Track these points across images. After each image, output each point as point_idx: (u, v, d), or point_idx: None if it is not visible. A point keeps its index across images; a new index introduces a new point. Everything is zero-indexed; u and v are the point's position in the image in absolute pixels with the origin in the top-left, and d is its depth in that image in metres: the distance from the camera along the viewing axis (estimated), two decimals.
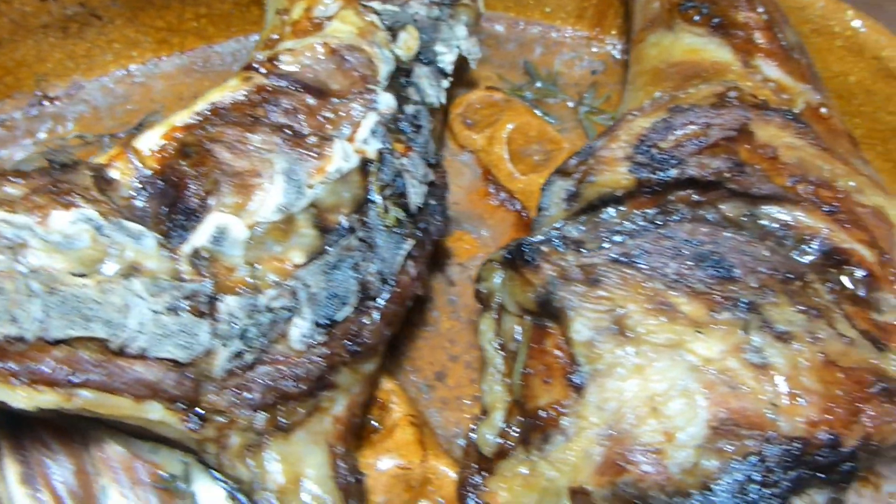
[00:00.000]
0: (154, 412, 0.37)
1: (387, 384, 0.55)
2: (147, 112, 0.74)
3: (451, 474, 0.52)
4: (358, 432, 0.51)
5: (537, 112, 0.77)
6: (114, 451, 0.39)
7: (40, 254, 0.37)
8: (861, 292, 0.53)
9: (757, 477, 0.43)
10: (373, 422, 0.54)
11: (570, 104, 0.79)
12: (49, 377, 0.34)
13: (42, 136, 0.71)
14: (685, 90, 0.56)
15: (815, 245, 0.53)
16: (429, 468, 0.52)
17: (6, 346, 0.34)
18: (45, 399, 0.34)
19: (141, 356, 0.37)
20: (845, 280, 0.52)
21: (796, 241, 0.53)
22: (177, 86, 0.76)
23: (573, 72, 0.82)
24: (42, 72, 0.71)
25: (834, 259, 0.53)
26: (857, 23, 0.74)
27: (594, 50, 0.84)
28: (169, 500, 0.40)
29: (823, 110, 0.59)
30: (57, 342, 0.35)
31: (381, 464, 0.52)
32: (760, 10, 0.62)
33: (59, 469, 0.39)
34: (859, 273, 0.53)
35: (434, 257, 0.66)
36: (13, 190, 0.41)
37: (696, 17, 0.62)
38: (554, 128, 0.75)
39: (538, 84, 0.80)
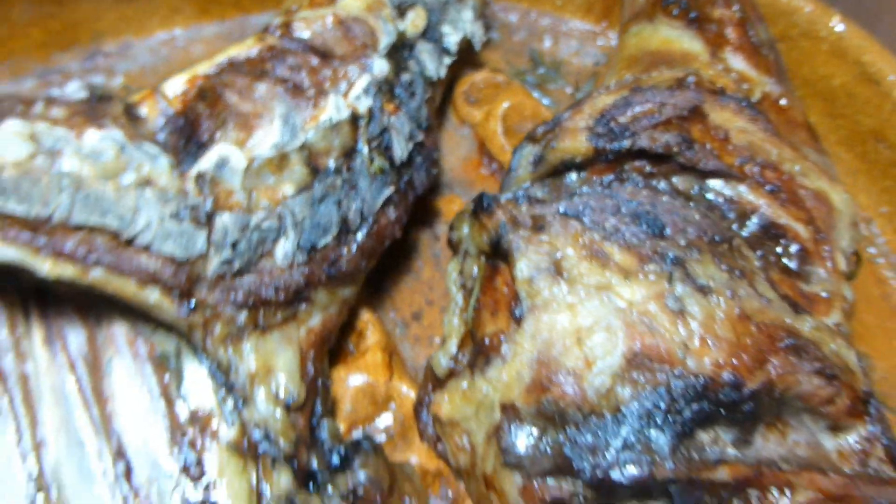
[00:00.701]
0: (153, 296, 0.46)
1: (365, 315, 0.63)
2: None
3: (412, 394, 0.59)
4: (333, 350, 0.59)
5: (535, 94, 0.83)
6: (120, 328, 0.48)
7: (73, 160, 0.46)
8: (793, 265, 0.58)
9: (662, 405, 0.49)
10: (350, 346, 0.62)
11: (569, 90, 0.85)
12: (69, 253, 0.43)
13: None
14: (649, 74, 0.63)
15: (754, 219, 0.59)
16: (393, 387, 0.60)
17: (37, 225, 0.42)
18: (65, 271, 0.43)
19: (146, 249, 0.46)
20: (780, 252, 0.58)
21: (738, 214, 0.59)
22: (214, 50, 0.83)
23: (576, 62, 0.89)
24: (98, 29, 0.80)
25: (771, 233, 0.59)
26: (841, 27, 0.78)
27: (599, 43, 0.90)
28: (162, 373, 0.48)
29: (783, 102, 0.65)
30: (78, 227, 0.43)
31: (352, 379, 0.59)
32: (735, 7, 0.68)
33: (75, 337, 0.47)
34: (794, 247, 0.58)
35: (424, 216, 0.73)
36: (58, 111, 0.50)
37: (675, 12, 0.68)
38: (549, 110, 0.82)
39: (541, 70, 0.87)
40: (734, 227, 0.58)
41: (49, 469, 0.45)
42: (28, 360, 0.46)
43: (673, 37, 0.67)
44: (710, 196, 0.59)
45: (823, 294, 0.57)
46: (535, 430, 0.50)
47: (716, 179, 0.59)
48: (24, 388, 0.46)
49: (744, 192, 0.58)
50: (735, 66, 0.65)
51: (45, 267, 0.42)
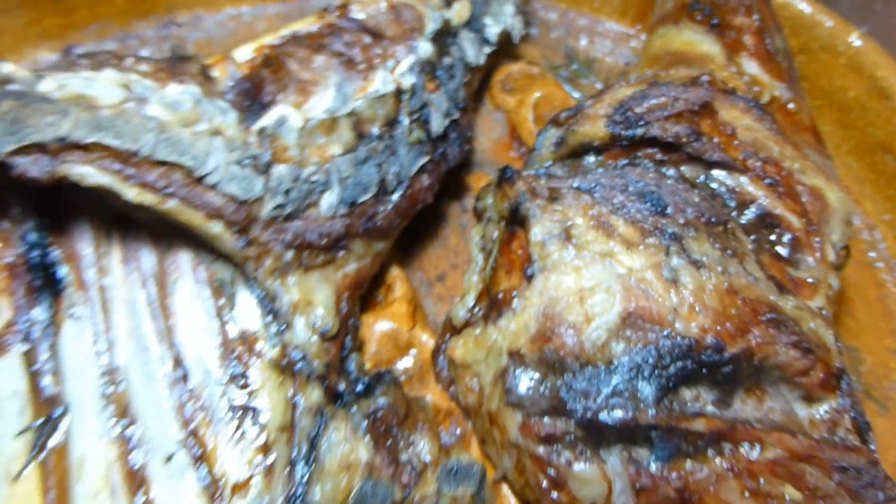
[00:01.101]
0: (216, 228, 0.53)
1: (395, 271, 0.70)
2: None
3: (430, 343, 0.66)
4: (364, 298, 0.66)
5: (566, 88, 0.90)
6: (185, 255, 0.55)
7: (157, 107, 0.54)
8: (784, 252, 0.64)
9: (650, 361, 0.55)
10: (379, 297, 0.69)
11: (599, 86, 0.92)
12: (151, 184, 0.50)
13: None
14: (668, 71, 0.69)
15: (752, 208, 0.65)
16: (414, 335, 0.67)
17: (127, 157, 0.50)
18: (146, 198, 0.50)
19: (213, 187, 0.53)
20: (773, 239, 0.64)
21: (738, 203, 0.65)
22: (275, 28, 0.92)
23: (609, 61, 0.95)
24: (172, 1, 0.89)
25: (767, 222, 0.64)
26: (858, 43, 0.83)
27: (632, 45, 0.96)
28: (217, 297, 0.55)
29: (791, 106, 0.70)
30: (159, 163, 0.51)
31: (378, 325, 0.66)
32: (755, 17, 0.74)
33: (148, 259, 0.55)
34: (786, 236, 0.64)
35: (455, 189, 0.80)
36: (145, 66, 0.58)
37: (699, 17, 0.74)
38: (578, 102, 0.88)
39: (574, 66, 0.93)
40: (734, 213, 0.64)
41: (119, 368, 0.52)
42: (107, 275, 0.54)
43: (694, 40, 0.73)
44: (713, 185, 0.65)
45: (810, 280, 0.62)
46: (536, 375, 0.57)
47: (720, 170, 0.65)
48: (102, 297, 0.54)
49: (745, 183, 0.64)
50: (749, 70, 0.71)
51: (132, 193, 0.50)
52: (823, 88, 0.87)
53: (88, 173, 0.49)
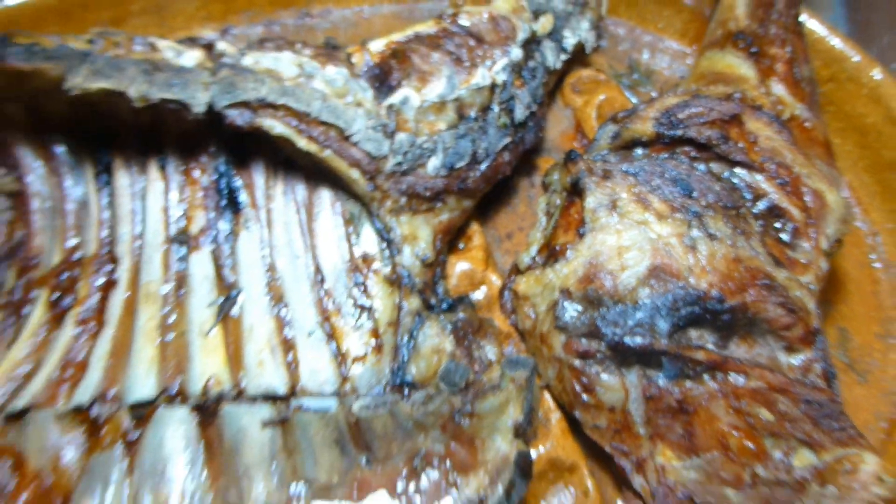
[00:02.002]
0: (354, 174, 0.73)
1: (475, 226, 0.89)
2: (365, 38, 1.10)
3: (498, 283, 0.85)
4: (451, 244, 0.85)
5: (627, 94, 1.07)
6: (328, 192, 0.75)
7: (320, 83, 0.73)
8: (786, 237, 0.81)
9: (667, 304, 0.73)
10: (461, 245, 0.88)
11: (654, 94, 1.08)
12: (315, 137, 0.70)
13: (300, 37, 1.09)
14: (708, 87, 0.86)
15: (764, 201, 0.81)
16: (486, 276, 0.85)
17: (301, 116, 0.70)
18: (312, 147, 0.70)
19: (355, 144, 0.73)
20: (778, 227, 0.81)
21: (753, 196, 0.82)
22: (389, 25, 1.12)
23: (666, 73, 1.12)
24: None
25: (774, 213, 0.81)
26: (879, 77, 0.98)
27: (688, 62, 1.13)
28: (348, 226, 0.75)
29: (807, 124, 0.87)
30: (322, 122, 0.71)
31: (459, 265, 0.85)
32: (788, 49, 0.90)
33: (301, 192, 0.75)
34: (789, 226, 0.81)
35: (528, 169, 0.98)
36: (309, 51, 0.78)
37: (742, 45, 0.91)
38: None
39: (635, 76, 1.10)
40: (748, 203, 0.81)
41: (277, 268, 0.73)
42: (272, 201, 0.74)
43: (735, 63, 0.90)
44: (734, 180, 0.82)
45: (803, 261, 0.79)
46: (579, 308, 0.75)
47: (741, 168, 0.81)
48: (268, 217, 0.74)
49: (760, 180, 0.81)
50: (776, 92, 0.87)
51: (302, 143, 0.70)
52: (847, 113, 1.02)
53: (275, 125, 0.69)
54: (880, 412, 0.87)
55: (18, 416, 0.64)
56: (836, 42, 1.00)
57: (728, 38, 0.93)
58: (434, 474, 0.65)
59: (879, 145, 1.00)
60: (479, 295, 0.84)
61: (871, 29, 1.28)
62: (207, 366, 0.66)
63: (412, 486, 0.65)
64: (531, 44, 0.92)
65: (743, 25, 0.93)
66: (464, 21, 0.88)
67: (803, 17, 0.99)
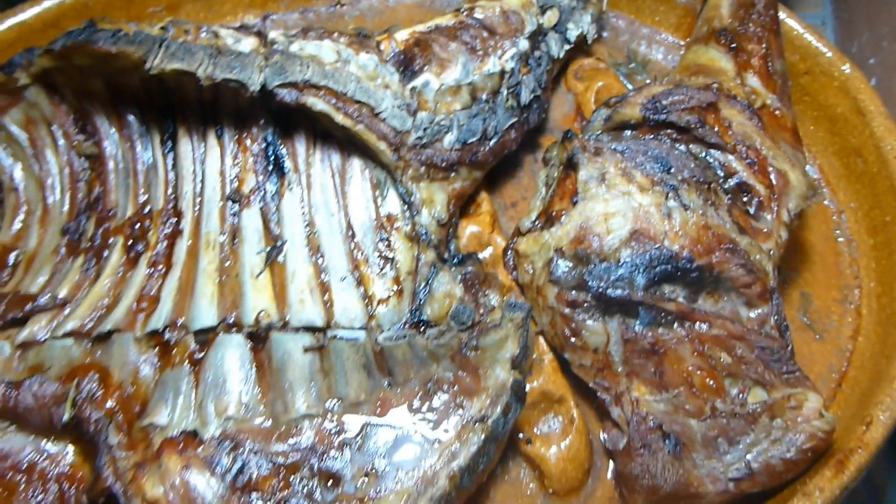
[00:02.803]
0: (382, 146, 0.86)
1: (483, 194, 1.02)
2: (391, 24, 1.23)
3: (502, 244, 0.98)
4: (462, 208, 0.98)
5: (624, 81, 1.19)
6: (358, 160, 0.88)
7: (354, 67, 0.86)
8: (752, 210, 0.93)
9: (645, 262, 0.86)
10: (470, 210, 1.01)
11: (649, 82, 1.20)
12: (350, 114, 0.83)
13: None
14: (690, 78, 0.98)
15: (734, 179, 0.94)
16: (492, 238, 0.99)
17: (338, 95, 0.83)
18: (347, 122, 0.83)
19: (383, 120, 0.86)
20: (745, 200, 0.93)
21: (725, 174, 0.94)
22: (412, 14, 1.24)
23: (661, 64, 1.23)
24: None
25: (743, 189, 0.93)
26: (848, 70, 1.10)
27: (681, 53, 1.25)
28: (375, 189, 0.88)
29: (777, 112, 0.99)
30: (356, 101, 0.83)
31: (469, 228, 0.98)
32: (764, 45, 1.02)
33: (336, 160, 0.88)
34: (755, 200, 0.93)
35: (531, 145, 1.11)
36: (343, 39, 0.90)
37: (723, 41, 1.03)
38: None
39: (632, 65, 1.22)
40: (720, 180, 0.93)
41: (315, 223, 0.86)
42: (312, 167, 0.88)
43: (716, 57, 1.02)
44: (709, 159, 0.94)
45: (765, 230, 0.92)
46: (570, 264, 0.88)
47: (715, 150, 0.94)
48: (307, 180, 0.87)
49: (731, 160, 0.93)
50: (750, 84, 0.99)
51: (339, 118, 0.83)
52: (820, 103, 1.14)
53: (317, 103, 0.82)
54: (833, 365, 1.00)
55: (104, 338, 0.78)
56: (812, 39, 1.12)
57: (712, 35, 1.05)
58: (444, 396, 0.79)
59: (846, 132, 1.11)
60: (485, 254, 0.98)
61: (853, 27, 1.39)
62: (258, 302, 0.80)
63: (426, 406, 0.79)
64: (537, 35, 1.05)
65: (726, 23, 1.04)
66: (478, 14, 1.00)
67: (783, 16, 1.10)
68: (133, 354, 0.77)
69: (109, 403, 0.76)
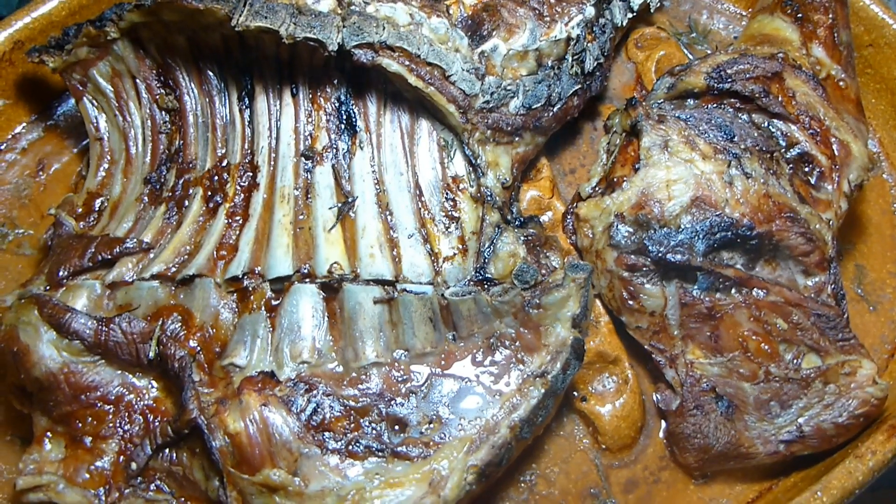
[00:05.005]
0: (451, 108, 0.88)
1: (544, 160, 1.04)
2: None
3: (561, 208, 1.01)
4: (523, 173, 1.01)
5: (685, 50, 1.19)
6: (427, 122, 0.91)
7: (427, 30, 0.89)
8: (812, 180, 0.94)
9: (705, 229, 0.87)
10: (531, 175, 1.03)
11: (709, 52, 1.21)
12: (422, 76, 0.85)
13: None
14: (755, 47, 0.99)
15: (796, 149, 0.95)
16: (552, 202, 1.01)
17: (412, 57, 0.85)
18: (419, 84, 0.85)
19: (453, 83, 0.88)
20: (807, 170, 0.94)
21: (787, 143, 0.95)
22: None
23: (722, 34, 1.23)
24: None
25: (804, 159, 0.94)
26: None
27: (742, 24, 1.25)
28: (442, 151, 0.91)
29: (841, 83, 0.99)
30: (428, 63, 0.86)
31: (530, 192, 1.01)
32: (830, 16, 1.01)
33: (405, 121, 0.90)
34: (816, 170, 0.94)
35: (591, 113, 1.12)
36: (416, 2, 0.93)
37: (789, 11, 1.03)
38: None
39: (693, 34, 1.23)
40: (782, 150, 0.94)
41: (384, 181, 0.89)
42: (382, 127, 0.90)
43: (781, 27, 1.02)
44: (772, 129, 0.95)
45: (825, 200, 0.93)
46: (630, 229, 0.90)
47: (778, 119, 0.94)
48: (378, 140, 0.90)
49: (794, 130, 0.94)
50: (815, 54, 0.99)
51: (412, 79, 0.86)
52: (883, 75, 1.13)
53: (391, 64, 0.85)
54: (886, 336, 1.01)
55: (187, 282, 0.83)
56: (878, 10, 1.11)
57: (778, 5, 1.05)
58: (506, 351, 0.82)
59: None
60: (545, 218, 1.00)
61: None
62: (330, 254, 0.84)
63: (488, 360, 0.82)
64: (602, 3, 1.06)
65: None
66: None
67: None
68: (214, 298, 0.82)
69: (192, 343, 0.80)
